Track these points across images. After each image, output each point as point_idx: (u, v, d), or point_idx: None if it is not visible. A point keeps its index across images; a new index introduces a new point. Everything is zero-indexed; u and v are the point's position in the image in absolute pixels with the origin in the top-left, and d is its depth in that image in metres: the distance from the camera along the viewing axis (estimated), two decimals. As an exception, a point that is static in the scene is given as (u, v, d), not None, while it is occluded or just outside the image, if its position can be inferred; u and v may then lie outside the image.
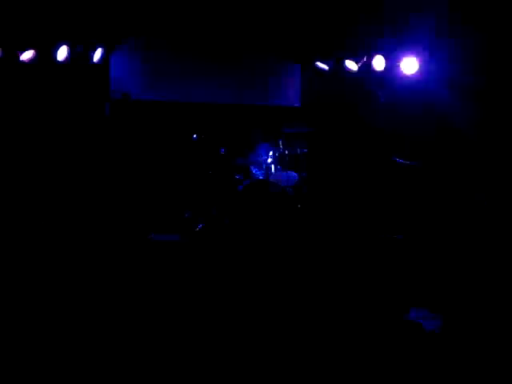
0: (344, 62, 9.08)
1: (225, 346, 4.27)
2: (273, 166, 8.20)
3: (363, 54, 9.03)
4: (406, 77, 8.88)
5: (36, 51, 8.21)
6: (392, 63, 8.96)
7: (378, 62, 8.96)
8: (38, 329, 4.40)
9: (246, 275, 5.43)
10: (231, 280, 5.32)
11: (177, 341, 4.35)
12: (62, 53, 8.24)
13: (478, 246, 6.03)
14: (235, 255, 5.75)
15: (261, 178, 8.06)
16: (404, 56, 8.86)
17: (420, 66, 8.94)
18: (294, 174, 8.19)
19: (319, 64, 9.15)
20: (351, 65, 9.09)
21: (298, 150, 8.21)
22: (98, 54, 8.46)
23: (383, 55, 8.96)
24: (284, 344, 4.33)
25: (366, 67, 9.02)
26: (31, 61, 8.19)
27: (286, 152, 8.23)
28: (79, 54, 8.42)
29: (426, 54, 8.86)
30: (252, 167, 8.32)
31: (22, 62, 8.15)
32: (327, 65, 9.14)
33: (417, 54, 8.85)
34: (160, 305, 4.92)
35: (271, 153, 8.33)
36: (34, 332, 4.35)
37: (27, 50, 8.14)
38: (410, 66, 8.90)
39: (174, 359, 4.12)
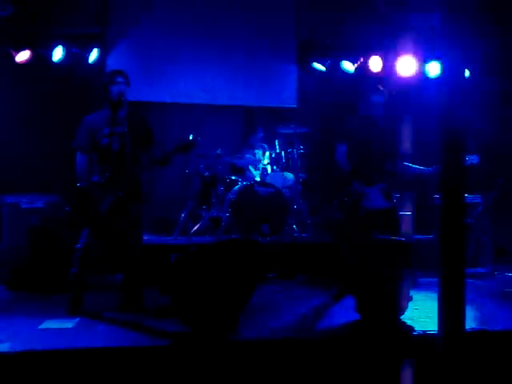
0: (341, 63, 9.08)
1: None
2: (269, 167, 8.18)
3: (360, 55, 9.02)
4: (404, 78, 8.89)
5: (31, 51, 8.21)
6: (389, 64, 8.96)
7: (375, 63, 8.95)
8: None
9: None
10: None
11: None
12: (58, 53, 8.25)
13: None
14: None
15: (257, 178, 8.04)
16: (402, 57, 8.85)
17: (419, 68, 8.95)
18: (291, 175, 8.16)
19: (316, 64, 9.14)
20: (348, 65, 9.08)
21: (295, 151, 8.16)
22: (94, 55, 8.46)
23: (380, 56, 8.96)
24: None
25: (363, 68, 9.02)
26: (27, 61, 8.19)
27: (283, 153, 8.19)
28: (75, 55, 8.43)
29: (426, 55, 8.86)
30: (248, 168, 8.29)
31: (18, 62, 8.15)
32: (324, 65, 9.13)
33: (415, 55, 8.85)
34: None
35: (267, 154, 8.31)
36: None
37: (23, 50, 8.15)
38: (407, 67, 8.90)
39: None
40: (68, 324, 4.88)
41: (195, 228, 7.83)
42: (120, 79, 5.30)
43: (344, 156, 5.93)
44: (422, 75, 9.00)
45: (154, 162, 5.28)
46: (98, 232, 5.27)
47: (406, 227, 6.75)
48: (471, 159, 5.66)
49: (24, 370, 3.98)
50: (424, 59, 8.93)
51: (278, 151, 8.21)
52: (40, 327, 4.77)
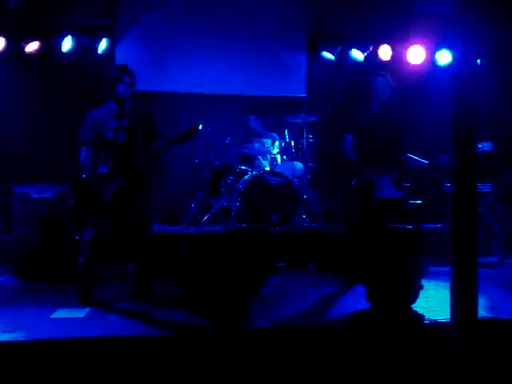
0: (350, 52, 9.04)
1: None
2: (278, 157, 8.16)
3: (369, 44, 8.98)
4: (413, 67, 8.84)
5: (41, 42, 8.22)
6: (399, 53, 8.91)
7: (384, 52, 8.90)
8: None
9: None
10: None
11: None
12: (67, 44, 8.26)
13: None
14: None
15: (267, 168, 8.03)
16: (412, 45, 8.80)
17: (429, 56, 8.89)
18: (300, 164, 8.14)
19: (325, 53, 9.10)
20: (357, 54, 9.04)
21: (304, 140, 8.13)
22: (103, 45, 8.47)
23: (390, 44, 8.91)
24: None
25: (373, 57, 8.98)
26: (36, 52, 8.21)
27: (292, 142, 8.16)
28: (84, 46, 8.44)
29: (438, 43, 8.80)
30: (258, 157, 8.28)
31: (27, 53, 8.17)
32: (333, 54, 9.09)
33: (426, 43, 8.79)
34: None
35: (277, 143, 8.29)
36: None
37: (32, 41, 8.16)
38: (417, 55, 8.84)
39: None
40: (79, 313, 4.89)
41: (205, 218, 7.82)
42: (127, 79, 5.29)
43: (351, 146, 5.92)
44: (432, 63, 8.95)
45: (154, 150, 5.29)
46: (104, 221, 5.28)
47: (416, 216, 6.73)
48: (484, 146, 5.59)
49: (36, 359, 4.00)
50: (435, 47, 8.87)
51: (287, 140, 8.18)
52: (52, 316, 4.80)
